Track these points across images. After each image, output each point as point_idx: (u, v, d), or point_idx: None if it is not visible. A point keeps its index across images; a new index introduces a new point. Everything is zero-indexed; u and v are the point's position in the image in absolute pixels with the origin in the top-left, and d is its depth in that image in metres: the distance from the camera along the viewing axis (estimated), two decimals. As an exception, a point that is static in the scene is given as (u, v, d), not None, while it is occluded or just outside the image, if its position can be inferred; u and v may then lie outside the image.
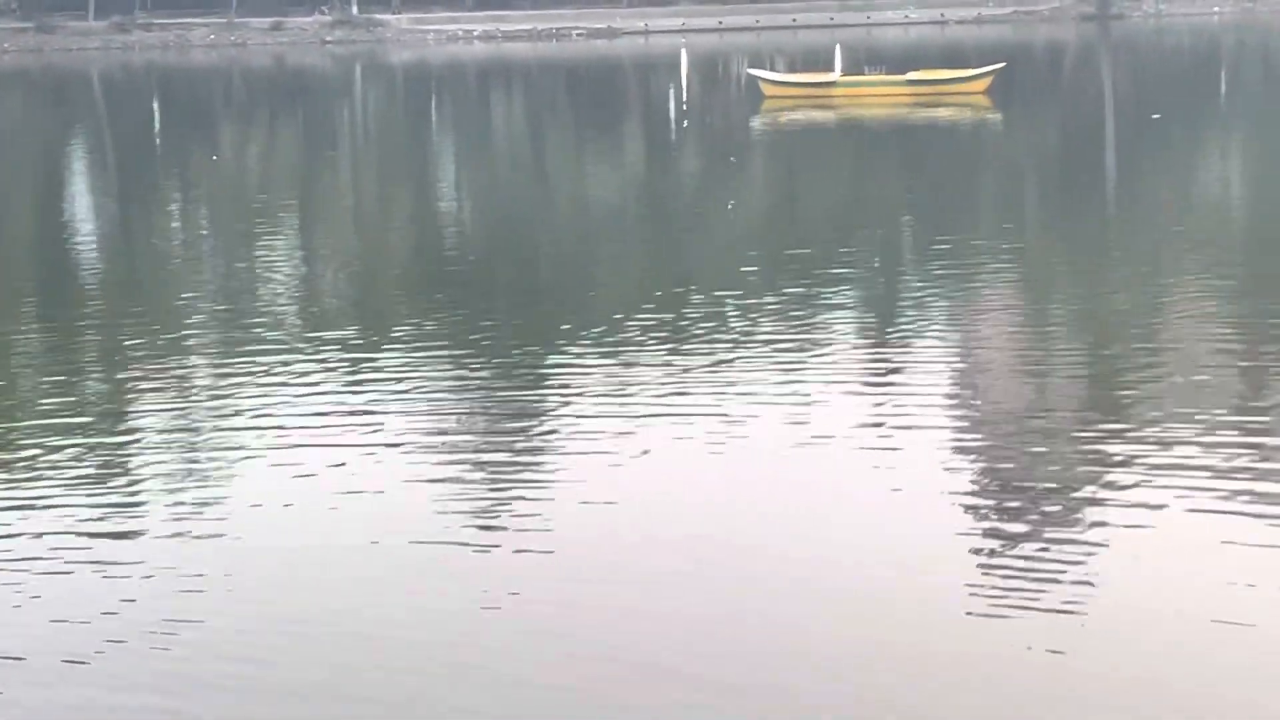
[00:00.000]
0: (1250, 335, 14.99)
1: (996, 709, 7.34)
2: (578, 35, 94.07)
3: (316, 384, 13.99)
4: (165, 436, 12.51)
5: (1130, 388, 13.15)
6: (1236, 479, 10.43)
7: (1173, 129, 36.47)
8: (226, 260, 22.69)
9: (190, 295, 19.26)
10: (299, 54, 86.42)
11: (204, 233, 26.63)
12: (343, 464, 11.52)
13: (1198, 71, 58.33)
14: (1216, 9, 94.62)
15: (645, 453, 11.54)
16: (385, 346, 15.57)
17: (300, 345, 15.69)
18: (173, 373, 14.74)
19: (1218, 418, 11.94)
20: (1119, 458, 11.03)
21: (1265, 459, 10.91)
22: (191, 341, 16.32)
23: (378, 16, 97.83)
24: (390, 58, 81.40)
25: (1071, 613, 8.33)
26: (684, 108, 50.21)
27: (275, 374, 14.38)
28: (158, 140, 45.60)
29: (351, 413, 12.94)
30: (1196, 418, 11.91)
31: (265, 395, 13.61)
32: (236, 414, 13.05)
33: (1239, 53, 66.88)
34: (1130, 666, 7.68)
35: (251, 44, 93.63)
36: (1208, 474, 10.55)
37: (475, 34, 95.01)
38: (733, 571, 9.15)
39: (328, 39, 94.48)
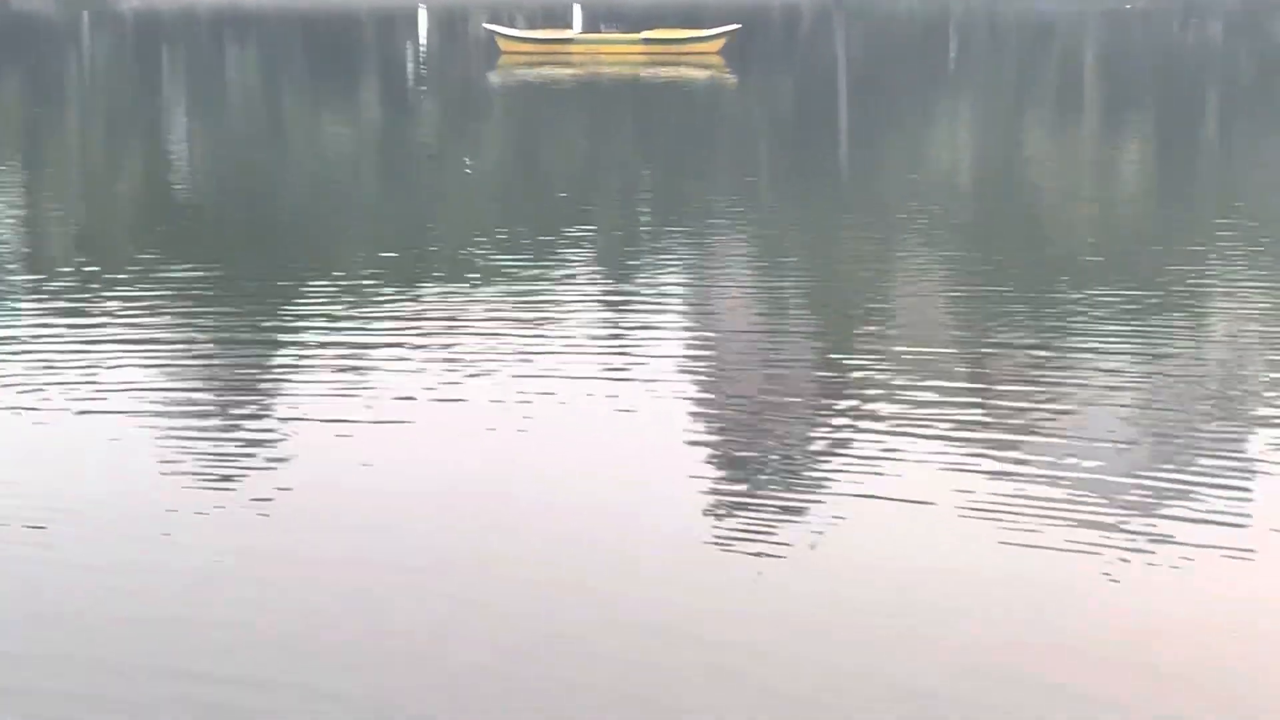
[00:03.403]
0: (979, 297, 15.39)
1: (725, 644, 7.40)
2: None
3: (37, 335, 13.61)
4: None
5: (863, 344, 13.39)
6: (966, 434, 10.70)
7: (904, 94, 37.18)
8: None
9: (-94, 244, 18.61)
10: None
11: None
12: (63, 417, 11.22)
13: (928, 38, 59.49)
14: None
15: (378, 407, 11.43)
16: (112, 297, 15.19)
17: (22, 295, 15.25)
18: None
19: (947, 374, 12.25)
20: (851, 411, 11.24)
21: (992, 413, 11.20)
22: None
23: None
24: (120, 5, 79.42)
25: (801, 557, 8.44)
26: (422, 63, 49.82)
27: (-3, 324, 13.98)
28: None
29: (75, 365, 12.62)
30: (926, 374, 12.21)
31: (-14, 346, 13.21)
32: (-45, 365, 12.65)
33: (968, 21, 68.37)
34: (861, 607, 7.79)
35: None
36: (939, 427, 10.80)
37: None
38: (471, 527, 9.09)
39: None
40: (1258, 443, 10.44)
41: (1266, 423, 10.89)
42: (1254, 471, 9.83)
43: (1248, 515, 9.02)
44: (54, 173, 26.42)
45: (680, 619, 7.71)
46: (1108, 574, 8.13)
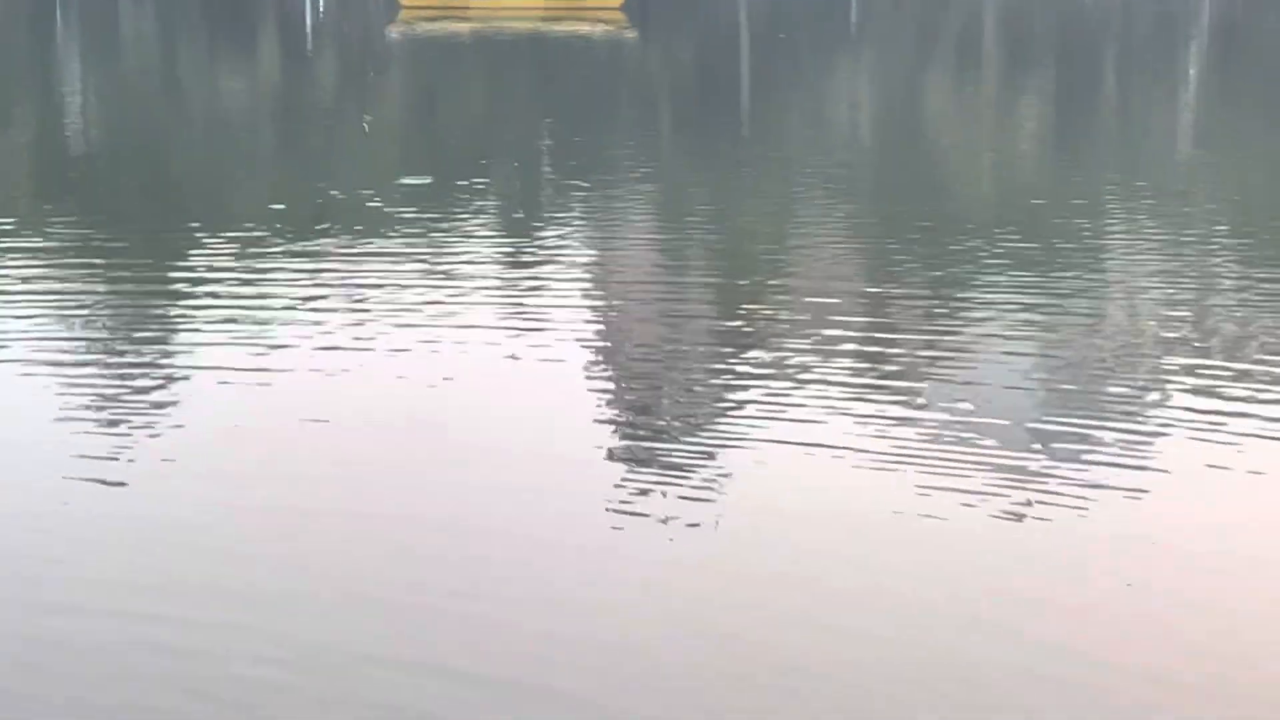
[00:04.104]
0: (880, 249, 15.45)
1: (636, 606, 7.40)
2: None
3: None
4: None
5: (766, 295, 13.41)
6: (868, 383, 10.73)
7: (805, 50, 37.23)
8: None
9: None
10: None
11: None
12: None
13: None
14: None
15: (275, 359, 11.32)
16: (4, 248, 14.97)
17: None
18: None
19: (850, 324, 12.30)
20: (754, 361, 11.25)
21: (894, 362, 11.24)
22: None
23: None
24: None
25: (704, 517, 8.44)
26: (320, 16, 49.42)
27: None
28: None
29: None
30: (829, 325, 12.24)
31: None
32: None
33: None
34: (771, 562, 7.81)
35: None
36: (842, 376, 10.83)
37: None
38: (375, 474, 9.04)
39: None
40: (1151, 387, 10.55)
41: (1159, 369, 11.00)
42: (1147, 415, 9.94)
43: (1142, 457, 9.12)
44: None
45: (586, 564, 7.71)
46: (1011, 514, 8.19)
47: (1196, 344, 11.69)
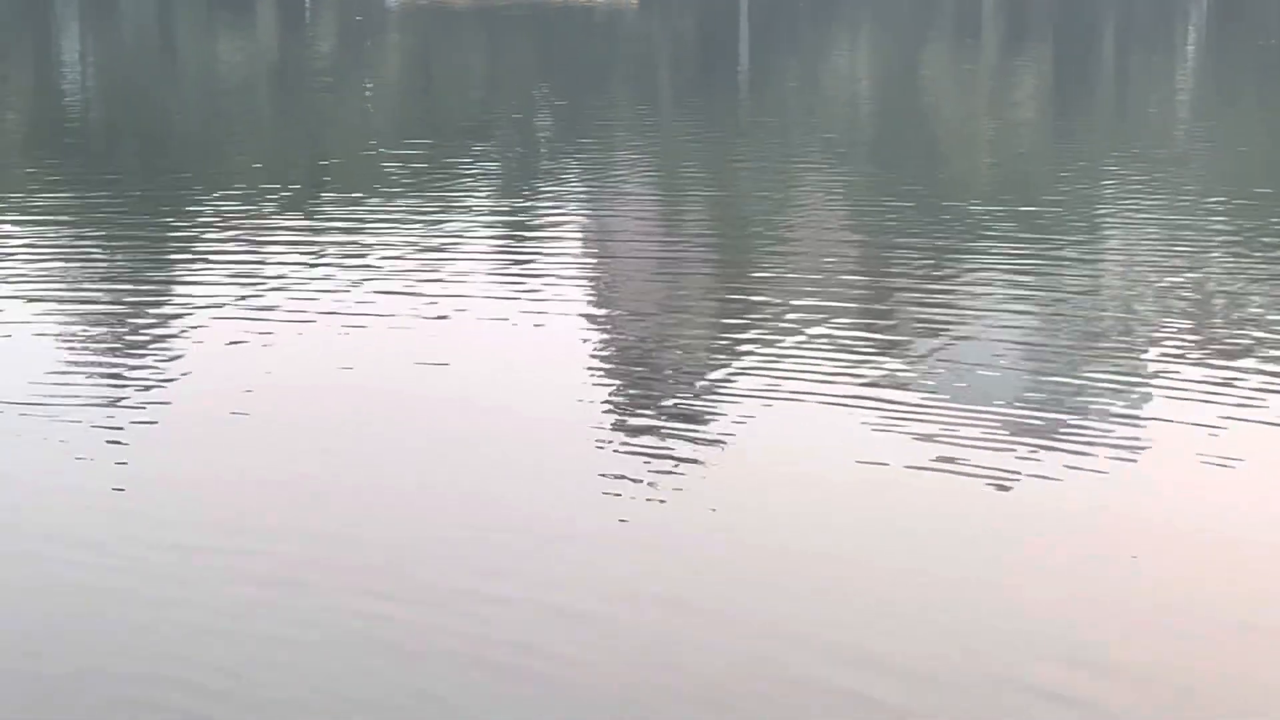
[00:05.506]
0: (878, 214, 15.46)
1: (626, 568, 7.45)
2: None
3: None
4: None
5: (764, 258, 13.43)
6: (855, 355, 10.76)
7: (805, 16, 37.19)
8: None
9: None
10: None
11: None
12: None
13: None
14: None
15: (276, 324, 11.34)
16: (4, 216, 15.00)
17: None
18: None
19: (848, 287, 12.32)
20: (752, 323, 11.28)
21: (880, 338, 11.26)
22: None
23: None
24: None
25: (691, 483, 8.49)
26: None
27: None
28: None
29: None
30: (827, 288, 12.26)
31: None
32: None
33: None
34: (760, 518, 7.86)
35: None
36: (832, 349, 10.85)
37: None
38: (374, 435, 9.08)
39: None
40: (1144, 355, 10.58)
41: (1153, 336, 11.03)
42: (1138, 382, 9.96)
43: (1132, 425, 9.15)
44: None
45: (583, 530, 7.76)
46: (1002, 477, 8.23)
47: (1192, 311, 11.72)
